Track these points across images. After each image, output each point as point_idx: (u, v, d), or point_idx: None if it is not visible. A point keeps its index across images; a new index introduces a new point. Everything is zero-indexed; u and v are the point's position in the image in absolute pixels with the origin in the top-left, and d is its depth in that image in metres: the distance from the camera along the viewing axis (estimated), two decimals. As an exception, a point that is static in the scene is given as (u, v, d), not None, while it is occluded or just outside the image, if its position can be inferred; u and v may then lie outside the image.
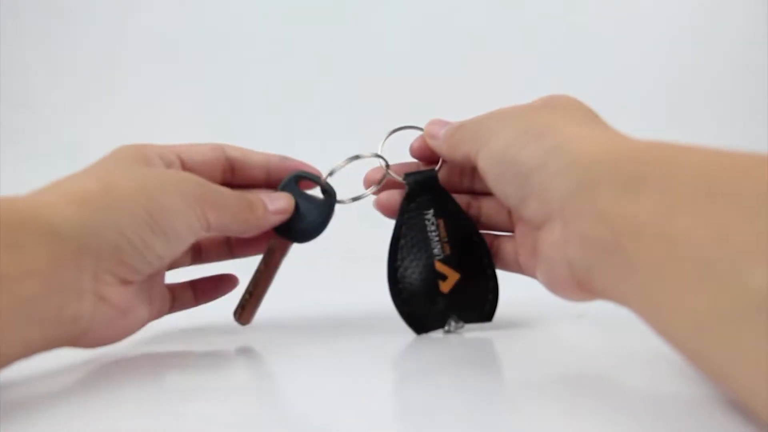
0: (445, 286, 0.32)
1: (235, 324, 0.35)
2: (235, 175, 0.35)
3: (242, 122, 0.92)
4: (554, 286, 0.27)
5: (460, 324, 0.33)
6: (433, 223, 0.33)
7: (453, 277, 0.32)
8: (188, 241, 0.29)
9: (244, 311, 0.35)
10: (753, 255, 0.16)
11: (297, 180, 0.35)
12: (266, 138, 0.93)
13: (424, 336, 0.33)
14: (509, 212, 0.34)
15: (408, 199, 0.34)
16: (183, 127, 0.91)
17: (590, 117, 0.29)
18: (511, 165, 0.27)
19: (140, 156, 0.31)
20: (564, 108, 0.29)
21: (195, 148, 0.35)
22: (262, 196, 0.33)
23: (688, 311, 0.18)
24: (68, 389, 0.26)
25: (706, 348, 0.18)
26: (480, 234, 0.34)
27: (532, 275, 0.31)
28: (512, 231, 0.34)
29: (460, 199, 0.35)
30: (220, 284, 0.36)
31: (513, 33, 0.93)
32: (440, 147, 0.33)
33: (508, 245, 0.34)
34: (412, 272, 0.32)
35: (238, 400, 0.24)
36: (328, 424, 0.21)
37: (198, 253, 0.37)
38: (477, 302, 0.33)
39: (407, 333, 0.34)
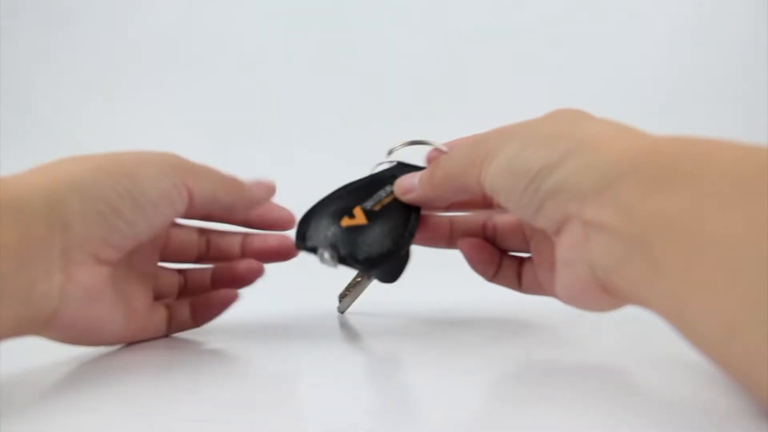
0: (345, 222, 0.32)
1: (229, 325, 0.35)
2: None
3: (241, 122, 0.92)
4: (575, 295, 0.25)
5: (332, 260, 0.30)
6: (386, 190, 0.34)
7: (359, 220, 0.32)
8: (165, 210, 0.29)
9: (343, 302, 0.39)
10: None
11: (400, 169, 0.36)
12: (264, 138, 0.94)
13: (418, 333, 0.33)
14: (523, 233, 0.34)
15: (389, 171, 0.35)
16: (182, 126, 0.91)
17: (604, 119, 0.27)
18: (523, 173, 0.25)
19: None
20: (574, 114, 0.28)
21: None
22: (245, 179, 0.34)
23: (719, 314, 0.17)
24: (56, 387, 0.26)
25: (737, 353, 0.17)
26: (415, 223, 0.33)
27: (553, 293, 0.30)
28: (528, 251, 0.33)
29: (478, 216, 0.35)
30: (217, 300, 0.35)
31: (512, 33, 0.93)
32: (424, 195, 0.32)
33: (528, 267, 0.33)
34: (332, 203, 0.33)
35: (230, 401, 0.24)
36: (321, 423, 0.21)
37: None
38: (365, 249, 0.31)
39: (399, 333, 0.34)
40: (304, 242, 0.31)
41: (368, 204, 0.33)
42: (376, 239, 0.31)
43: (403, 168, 0.36)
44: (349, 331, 0.36)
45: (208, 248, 0.36)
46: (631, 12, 0.93)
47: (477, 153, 0.28)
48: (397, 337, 0.34)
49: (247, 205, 0.33)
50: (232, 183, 0.32)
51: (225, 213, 0.34)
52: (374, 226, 0.32)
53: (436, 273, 0.43)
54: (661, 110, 0.89)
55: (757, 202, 0.17)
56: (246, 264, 0.35)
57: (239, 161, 0.89)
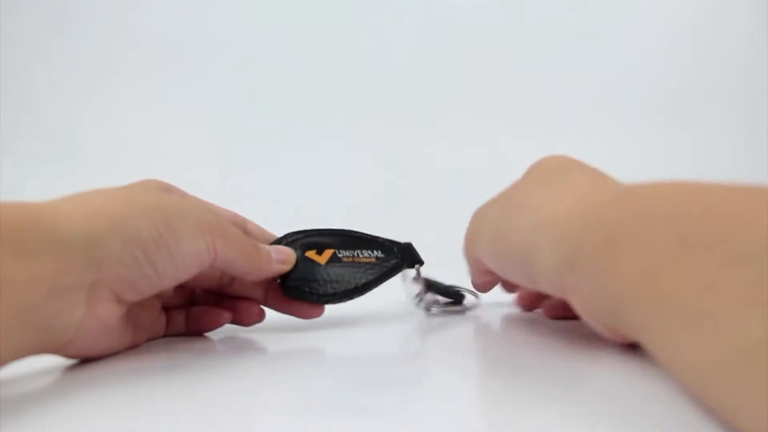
0: (309, 253, 0.36)
1: (228, 326, 0.35)
2: None
3: (241, 123, 0.92)
4: (607, 336, 0.27)
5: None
6: (371, 253, 0.37)
7: (319, 259, 0.36)
8: (192, 267, 0.30)
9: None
10: (745, 303, 0.16)
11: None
12: (264, 138, 0.94)
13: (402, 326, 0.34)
14: None
15: (395, 245, 0.38)
16: (182, 127, 0.91)
17: (559, 168, 0.30)
18: (510, 255, 0.29)
19: (163, 188, 0.32)
20: (536, 172, 0.31)
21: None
22: (268, 247, 0.34)
23: (691, 362, 0.18)
24: (49, 388, 0.26)
25: (714, 396, 0.18)
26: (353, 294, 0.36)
27: None
28: None
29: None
30: (210, 316, 0.35)
31: (513, 33, 0.93)
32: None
33: None
34: (323, 236, 0.36)
35: (227, 401, 0.24)
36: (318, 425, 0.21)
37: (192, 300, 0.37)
38: (296, 278, 0.35)
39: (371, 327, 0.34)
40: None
41: (343, 252, 0.36)
42: (310, 277, 0.35)
43: (409, 250, 0.38)
44: (354, 330, 0.36)
45: (232, 281, 0.36)
46: (631, 12, 0.93)
47: (469, 237, 0.33)
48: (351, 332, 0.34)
49: (259, 275, 0.34)
50: (252, 253, 0.32)
51: (237, 275, 0.34)
52: (324, 269, 0.35)
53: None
54: (661, 110, 0.89)
55: (698, 257, 0.18)
56: (248, 305, 0.36)
57: (239, 161, 0.89)
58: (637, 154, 0.83)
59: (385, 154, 0.85)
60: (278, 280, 0.35)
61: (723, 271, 0.17)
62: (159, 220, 0.28)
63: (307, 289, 0.35)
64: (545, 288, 0.27)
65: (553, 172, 0.30)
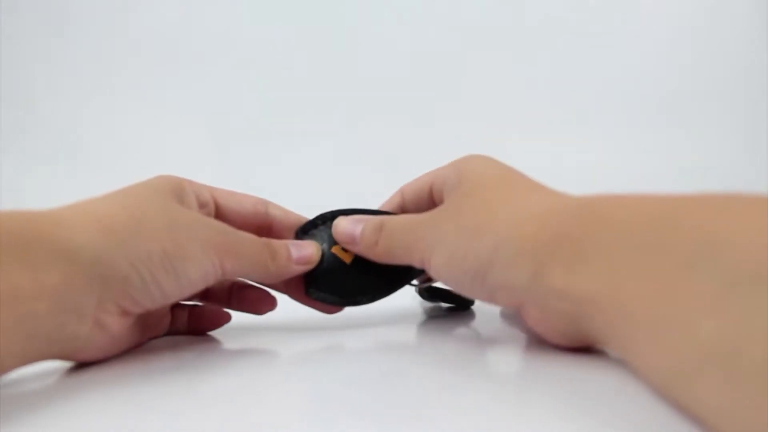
0: (336, 249, 0.34)
1: (229, 326, 0.35)
2: (272, 234, 0.35)
3: (241, 123, 0.92)
4: (562, 344, 0.27)
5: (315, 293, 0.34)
6: None
7: (346, 257, 0.34)
8: (199, 286, 0.29)
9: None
10: (699, 310, 0.17)
11: None
12: (264, 138, 0.94)
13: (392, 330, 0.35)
14: None
15: None
16: (182, 127, 0.91)
17: (508, 183, 0.30)
18: (463, 272, 0.28)
19: (176, 189, 0.31)
20: (483, 187, 0.30)
21: (235, 197, 0.35)
22: (289, 243, 0.33)
23: (653, 366, 0.20)
24: (51, 388, 0.26)
25: (678, 397, 0.19)
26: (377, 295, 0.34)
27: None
28: None
29: None
30: (211, 317, 0.36)
31: (513, 33, 0.93)
32: (370, 252, 0.32)
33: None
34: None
35: (227, 403, 0.24)
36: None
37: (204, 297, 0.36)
38: (319, 283, 0.34)
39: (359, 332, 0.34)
40: (303, 236, 0.34)
41: None
42: (334, 278, 0.34)
43: None
44: (362, 330, 0.36)
45: None
46: (631, 12, 0.93)
47: (414, 245, 0.30)
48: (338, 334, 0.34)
49: (277, 280, 0.33)
50: (266, 261, 0.31)
51: (253, 281, 0.34)
52: (350, 269, 0.34)
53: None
54: (661, 110, 0.89)
55: (655, 268, 0.20)
56: (260, 295, 0.35)
57: (239, 161, 0.89)
58: (637, 154, 0.83)
59: (385, 154, 0.85)
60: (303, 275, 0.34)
61: (678, 279, 0.19)
62: (167, 240, 0.28)
63: (330, 293, 0.34)
64: (502, 302, 0.28)
65: (498, 189, 0.29)
